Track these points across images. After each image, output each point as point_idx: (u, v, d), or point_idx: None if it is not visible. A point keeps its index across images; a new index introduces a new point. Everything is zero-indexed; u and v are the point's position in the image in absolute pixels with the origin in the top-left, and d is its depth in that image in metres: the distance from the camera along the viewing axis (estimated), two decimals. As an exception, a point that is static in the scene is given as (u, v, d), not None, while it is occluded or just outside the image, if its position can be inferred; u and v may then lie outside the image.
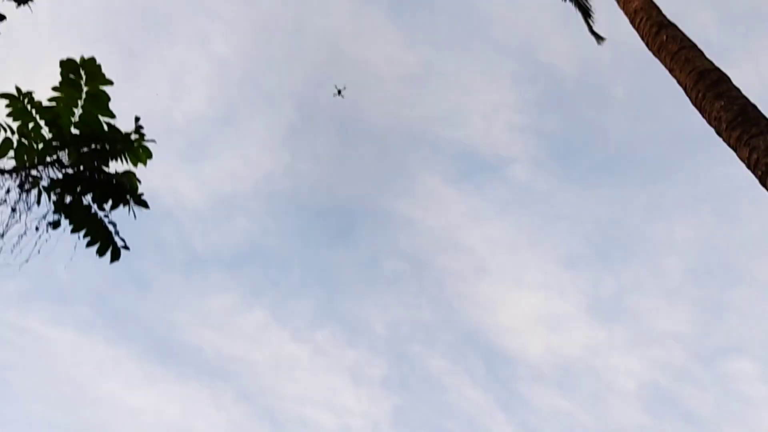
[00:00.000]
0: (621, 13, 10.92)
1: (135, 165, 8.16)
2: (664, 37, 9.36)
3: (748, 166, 7.40)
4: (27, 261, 7.28)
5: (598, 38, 19.86)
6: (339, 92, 58.73)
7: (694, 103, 8.51)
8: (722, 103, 7.94)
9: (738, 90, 8.17)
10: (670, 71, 9.10)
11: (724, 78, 8.36)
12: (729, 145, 7.76)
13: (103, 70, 7.79)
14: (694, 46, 9.11)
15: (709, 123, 8.15)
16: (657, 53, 9.47)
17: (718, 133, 7.97)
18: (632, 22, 10.28)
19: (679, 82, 8.89)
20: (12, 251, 7.30)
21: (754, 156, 7.23)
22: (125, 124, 8.21)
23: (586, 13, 19.64)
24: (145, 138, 8.02)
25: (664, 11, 10.05)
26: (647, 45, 9.77)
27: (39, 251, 7.43)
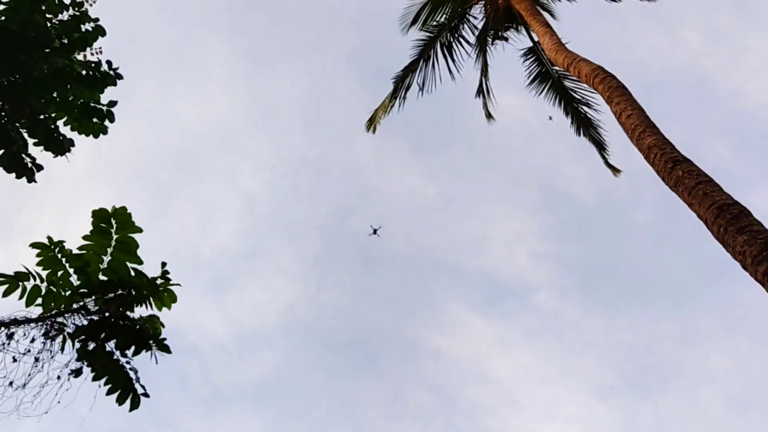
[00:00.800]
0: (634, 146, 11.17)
1: (159, 309, 8.21)
2: (680, 172, 9.50)
3: (779, 301, 7.24)
4: (47, 412, 7.17)
5: (615, 170, 20.23)
6: (375, 231, 59.09)
7: (717, 237, 8.49)
8: (745, 238, 7.91)
9: (760, 224, 8.16)
10: (689, 205, 9.16)
11: (744, 212, 8.38)
12: (756, 279, 7.65)
13: (134, 213, 8.04)
14: (711, 180, 9.22)
15: (734, 257, 8.08)
16: (674, 188, 9.58)
17: (744, 267, 7.88)
18: (647, 158, 10.49)
19: (699, 216, 8.93)
20: (33, 401, 7.21)
21: (784, 291, 7.09)
22: (154, 263, 8.36)
23: (600, 146, 20.14)
24: (171, 282, 8.12)
25: (677, 146, 10.28)
26: (663, 180, 9.91)
27: (59, 401, 7.33)
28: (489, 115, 22.06)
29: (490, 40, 20.46)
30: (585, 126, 19.69)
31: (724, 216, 8.38)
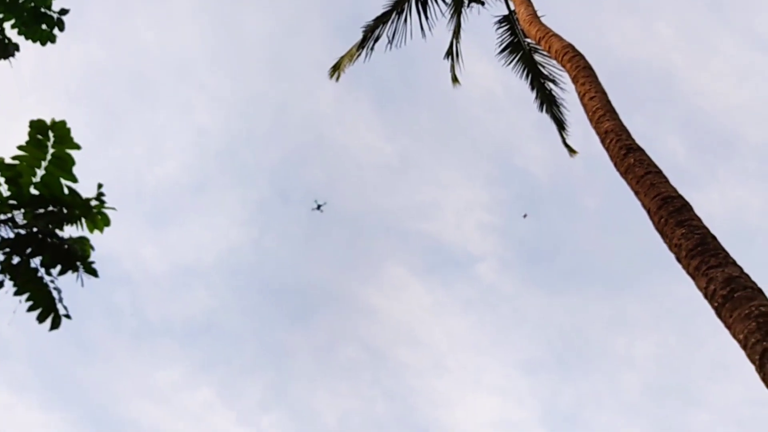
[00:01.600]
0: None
1: (91, 231, 7.95)
2: (632, 160, 9.62)
3: (705, 296, 7.45)
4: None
5: (571, 151, 20.46)
6: (318, 207, 58.46)
7: (657, 228, 8.65)
8: (683, 231, 8.08)
9: (699, 219, 8.34)
10: (636, 194, 9.30)
11: (687, 206, 8.55)
12: (687, 272, 7.84)
13: (75, 131, 7.71)
14: (660, 172, 9.36)
15: (670, 249, 8.26)
16: (624, 175, 9.70)
17: (678, 260, 8.06)
18: (602, 142, 10.58)
19: (643, 205, 9.07)
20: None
21: (711, 287, 7.29)
22: (88, 188, 8.07)
23: (560, 125, 20.29)
24: (105, 205, 7.85)
25: (634, 135, 10.39)
26: (615, 166, 10.02)
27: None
28: (455, 79, 21.90)
29: (466, 1, 20.20)
30: (549, 103, 19.77)
31: (666, 208, 8.54)
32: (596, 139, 11.11)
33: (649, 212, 8.87)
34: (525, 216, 56.20)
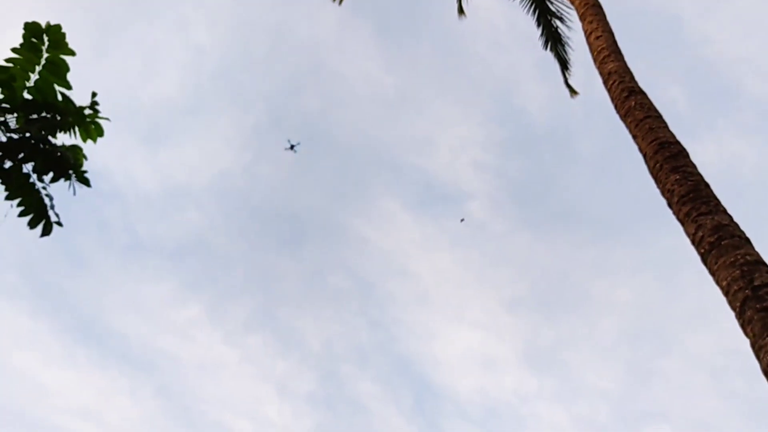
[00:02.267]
0: (597, 72, 11.10)
1: (84, 141, 7.89)
2: (633, 103, 9.52)
3: (692, 243, 7.52)
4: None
5: (572, 91, 20.22)
6: (292, 147, 57.21)
7: (651, 173, 8.65)
8: (677, 177, 8.08)
9: (695, 166, 8.33)
10: (633, 137, 9.25)
11: (683, 152, 8.53)
12: (677, 218, 7.89)
13: (70, 40, 7.55)
14: (660, 116, 9.29)
15: (662, 194, 8.28)
16: (623, 118, 9.63)
17: (669, 205, 8.10)
18: (605, 83, 10.46)
19: (640, 149, 9.04)
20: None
21: (699, 234, 7.35)
22: (83, 98, 7.96)
23: (564, 64, 19.99)
24: (99, 115, 7.77)
25: (638, 78, 10.26)
26: (616, 108, 9.93)
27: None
28: (461, 10, 21.40)
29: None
30: (554, 41, 19.40)
31: (662, 153, 8.51)
32: (599, 81, 10.99)
33: (645, 156, 8.84)
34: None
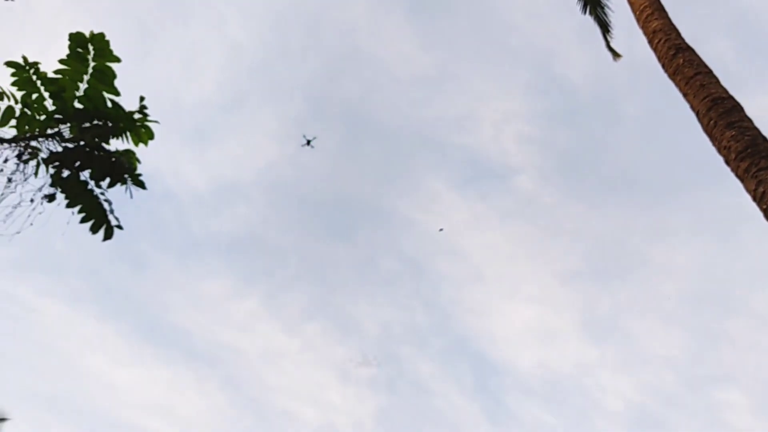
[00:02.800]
0: (640, 32, 10.81)
1: (136, 144, 8.09)
2: (681, 60, 9.25)
3: (754, 199, 7.30)
4: (19, 232, 7.21)
5: (615, 54, 19.74)
6: (308, 142, 57.52)
7: (706, 130, 8.41)
8: (733, 133, 7.83)
9: (750, 121, 8.06)
10: (684, 95, 8.99)
11: (737, 107, 8.25)
12: (736, 175, 7.65)
13: (113, 47, 7.71)
14: (710, 72, 9.00)
15: (719, 152, 8.04)
16: (672, 76, 9.36)
17: (727, 162, 7.86)
18: (650, 42, 10.17)
19: (692, 107, 8.79)
20: (5, 221, 7.23)
21: (761, 189, 7.13)
22: (131, 103, 8.14)
23: (604, 27, 19.52)
24: (149, 118, 7.94)
25: (684, 35, 9.95)
26: (663, 67, 9.66)
27: (32, 223, 7.35)
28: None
29: None
30: (593, 3, 18.94)
31: (716, 109, 8.25)
32: (642, 41, 10.69)
33: (697, 114, 8.59)
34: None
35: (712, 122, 8.22)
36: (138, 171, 8.09)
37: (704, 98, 8.49)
